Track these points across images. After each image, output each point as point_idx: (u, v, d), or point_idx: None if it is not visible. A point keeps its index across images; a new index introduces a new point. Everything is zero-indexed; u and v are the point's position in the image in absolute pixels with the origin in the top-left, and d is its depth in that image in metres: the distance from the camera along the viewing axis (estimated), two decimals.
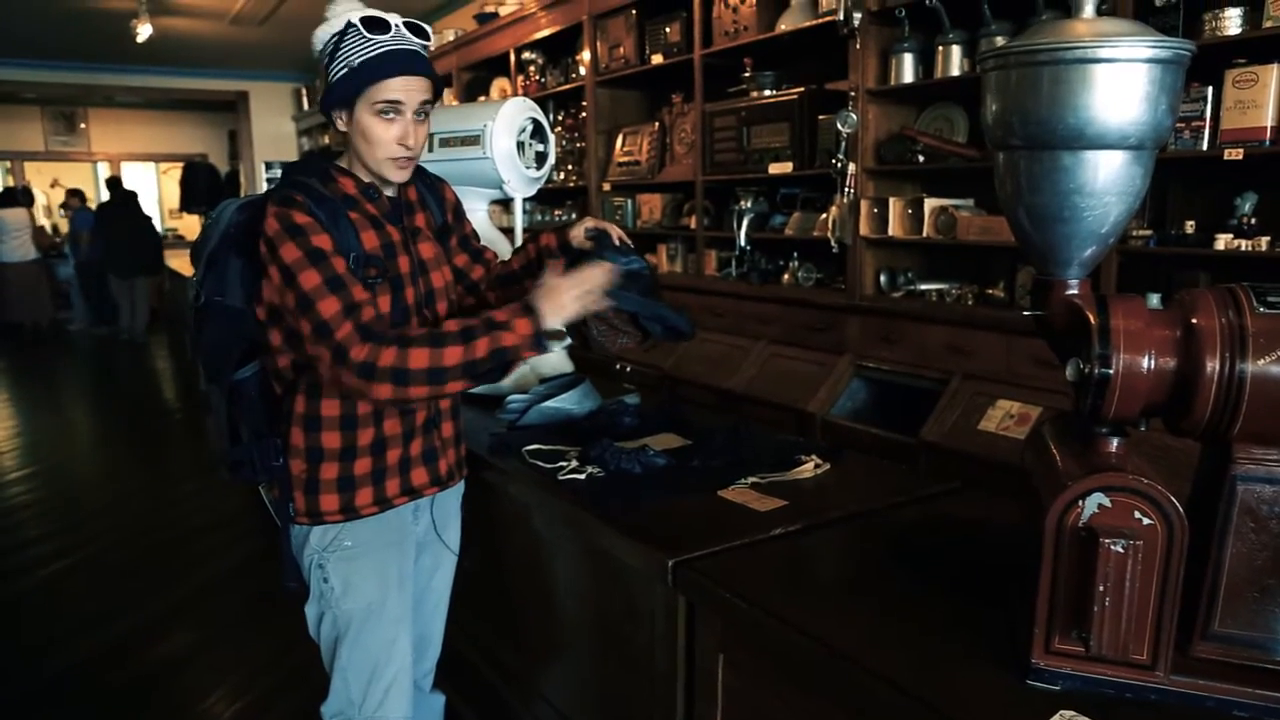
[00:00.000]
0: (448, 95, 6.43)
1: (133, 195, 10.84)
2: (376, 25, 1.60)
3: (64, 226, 13.59)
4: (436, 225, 1.88)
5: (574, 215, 5.56)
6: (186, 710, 2.86)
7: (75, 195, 11.55)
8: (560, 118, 5.61)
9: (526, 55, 5.76)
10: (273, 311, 1.67)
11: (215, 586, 3.77)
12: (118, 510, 4.76)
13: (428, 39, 1.67)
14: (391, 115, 1.62)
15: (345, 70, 1.60)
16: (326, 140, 9.99)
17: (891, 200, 3.41)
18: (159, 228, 14.30)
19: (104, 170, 14.02)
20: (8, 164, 13.42)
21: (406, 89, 1.62)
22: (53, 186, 13.95)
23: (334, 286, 1.54)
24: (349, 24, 1.60)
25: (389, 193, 1.75)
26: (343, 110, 1.64)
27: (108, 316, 11.05)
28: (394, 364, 1.49)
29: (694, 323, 1.86)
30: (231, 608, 3.57)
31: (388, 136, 1.63)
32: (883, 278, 3.56)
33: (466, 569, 2.05)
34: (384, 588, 1.77)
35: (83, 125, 13.44)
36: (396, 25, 1.62)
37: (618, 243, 1.83)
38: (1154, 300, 1.14)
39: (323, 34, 1.64)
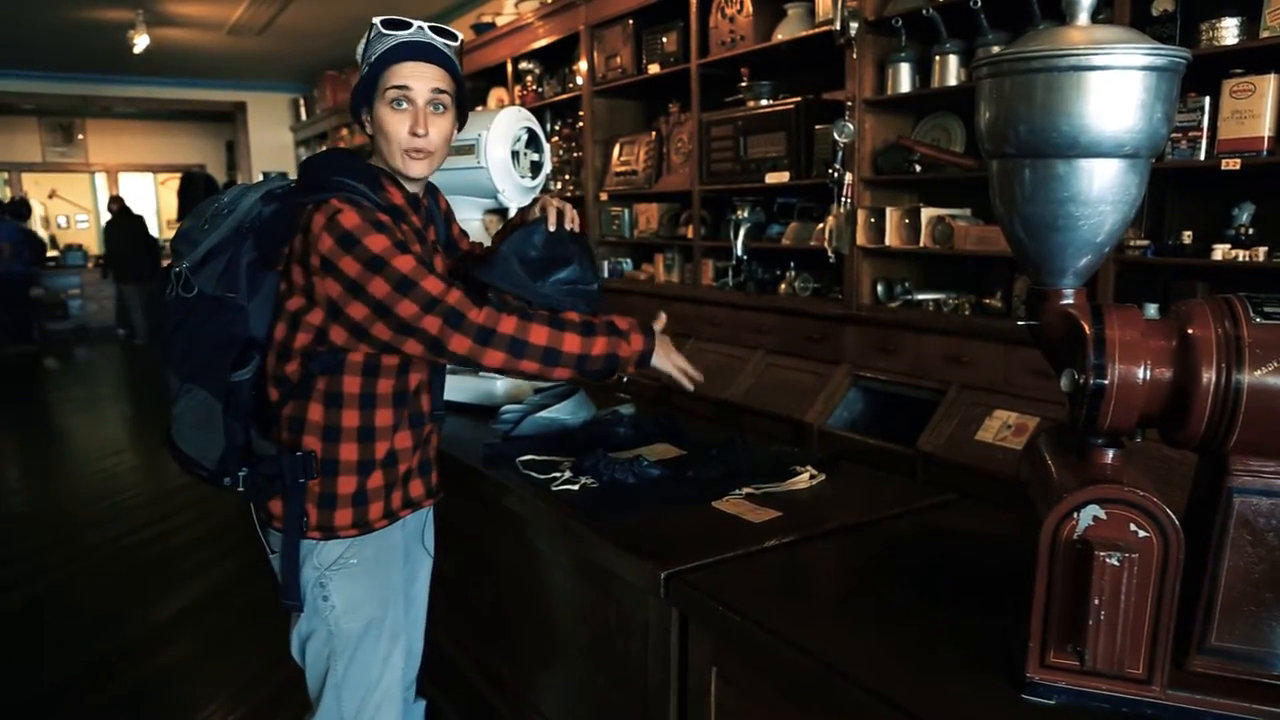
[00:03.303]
0: None
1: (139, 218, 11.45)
2: (395, 24, 1.62)
3: (62, 239, 13.65)
4: (442, 240, 1.88)
5: None
6: None
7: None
8: (557, 127, 5.61)
9: (524, 65, 5.77)
10: (322, 309, 1.57)
11: (208, 599, 3.75)
12: (109, 523, 4.73)
13: (453, 39, 1.67)
14: (404, 105, 1.61)
15: (365, 69, 1.63)
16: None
17: (888, 210, 3.41)
18: (158, 238, 14.45)
19: (102, 181, 14.03)
20: (5, 175, 13.40)
21: (415, 75, 1.61)
22: (51, 197, 13.95)
23: (430, 268, 1.52)
24: (371, 26, 1.63)
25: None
26: (366, 111, 1.65)
27: (22, 333, 10.95)
28: (514, 333, 1.49)
29: (597, 305, 1.76)
30: (224, 620, 3.54)
31: (401, 128, 1.62)
32: (880, 288, 3.55)
33: (447, 575, 2.03)
34: (384, 604, 1.74)
35: (80, 136, 13.44)
36: (418, 25, 1.63)
37: (553, 226, 1.80)
38: (1151, 310, 1.13)
39: (360, 47, 1.67)
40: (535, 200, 1.90)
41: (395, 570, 1.79)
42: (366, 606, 1.72)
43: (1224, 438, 1.06)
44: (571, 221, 1.85)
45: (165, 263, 11.32)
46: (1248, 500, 1.08)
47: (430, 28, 1.63)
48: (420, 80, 1.61)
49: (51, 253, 13.24)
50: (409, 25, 1.62)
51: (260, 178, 10.29)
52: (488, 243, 2.69)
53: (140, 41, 7.66)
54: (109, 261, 11.50)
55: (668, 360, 1.66)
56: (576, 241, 1.82)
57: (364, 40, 1.66)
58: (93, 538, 4.51)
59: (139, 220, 11.50)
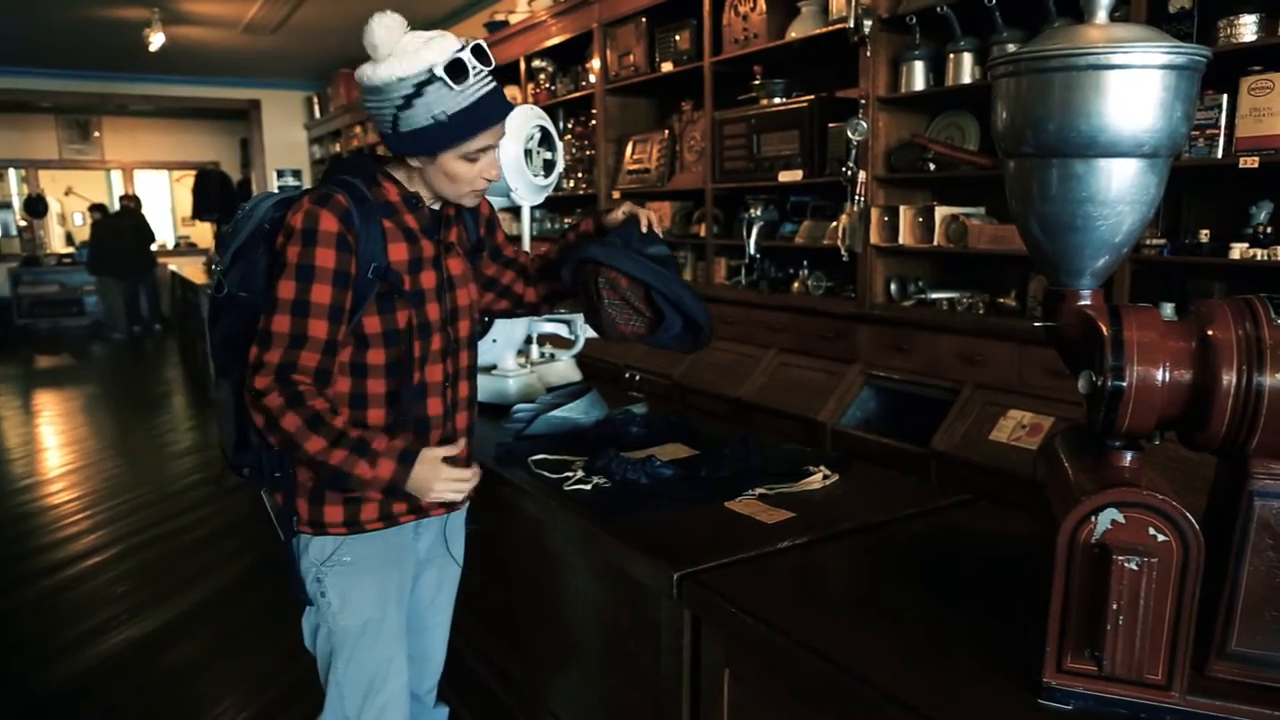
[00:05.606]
0: None
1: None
2: (459, 73, 1.53)
3: (78, 236, 13.73)
4: (470, 242, 1.86)
5: None
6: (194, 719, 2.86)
7: None
8: (570, 125, 5.61)
9: (537, 63, 5.76)
10: None
11: (222, 595, 3.77)
12: (125, 519, 4.75)
13: (492, 64, 1.61)
14: (478, 159, 1.62)
15: (431, 123, 1.55)
16: (337, 149, 10.02)
17: (902, 208, 3.39)
18: (172, 235, 14.51)
19: (117, 178, 14.11)
20: (23, 172, 13.50)
21: (490, 135, 1.61)
22: (67, 194, 14.03)
23: (298, 310, 1.54)
24: (432, 75, 1.51)
25: (432, 205, 1.72)
26: (426, 155, 1.61)
27: None
28: (273, 410, 1.53)
29: (711, 325, 1.86)
30: (238, 616, 3.56)
31: (472, 174, 1.63)
32: (893, 286, 3.54)
33: (468, 578, 2.03)
34: (383, 605, 1.74)
35: (96, 134, 13.51)
36: (473, 66, 1.54)
37: (645, 229, 1.85)
38: (1168, 311, 1.12)
39: (389, 74, 1.52)
40: (609, 209, 1.95)
41: (397, 573, 1.78)
42: (362, 606, 1.72)
43: (1245, 441, 1.05)
44: (657, 226, 1.90)
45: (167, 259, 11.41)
46: (1269, 503, 1.07)
47: (472, 49, 1.55)
48: (498, 134, 1.63)
49: (67, 249, 13.34)
50: (466, 72, 1.53)
51: (274, 175, 10.26)
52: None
53: (156, 40, 7.69)
54: (98, 255, 11.35)
55: (432, 490, 1.61)
56: (662, 242, 1.90)
57: (409, 78, 1.52)
58: (105, 534, 4.53)
59: (139, 217, 11.60)
